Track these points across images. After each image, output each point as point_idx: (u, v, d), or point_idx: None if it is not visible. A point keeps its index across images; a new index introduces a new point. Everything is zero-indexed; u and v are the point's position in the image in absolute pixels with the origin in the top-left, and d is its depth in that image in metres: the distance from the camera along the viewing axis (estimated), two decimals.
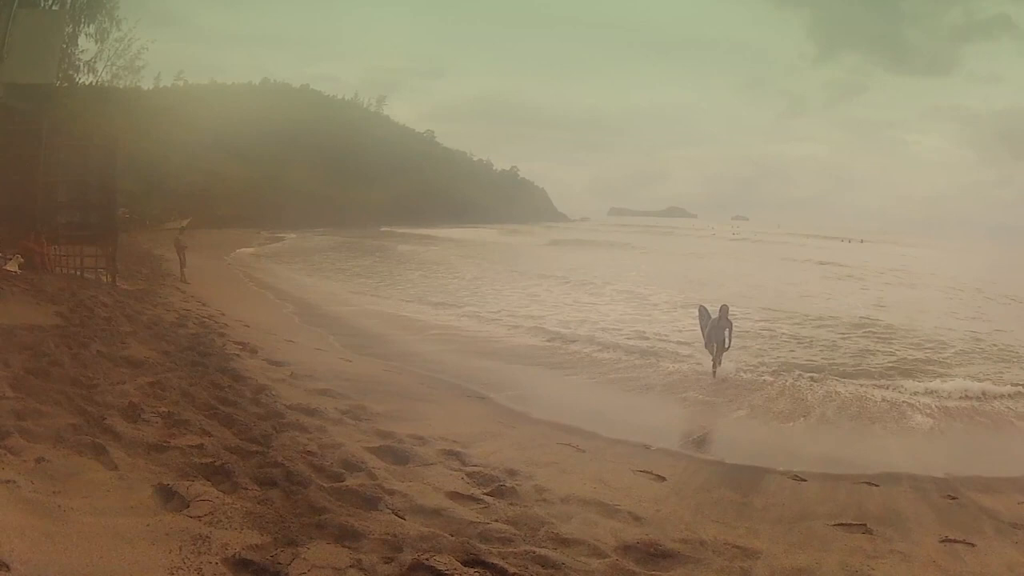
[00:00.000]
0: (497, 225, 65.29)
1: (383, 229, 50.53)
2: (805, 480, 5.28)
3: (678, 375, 9.62)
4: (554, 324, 12.74)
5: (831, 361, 10.71)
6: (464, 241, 41.04)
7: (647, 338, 11.84)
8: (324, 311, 13.28)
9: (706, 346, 9.77)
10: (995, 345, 12.61)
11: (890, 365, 10.55)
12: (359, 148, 66.40)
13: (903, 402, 8.57)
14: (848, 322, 14.26)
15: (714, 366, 9.56)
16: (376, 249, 32.16)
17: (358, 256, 28.21)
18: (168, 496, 3.14)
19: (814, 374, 9.62)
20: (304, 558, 2.71)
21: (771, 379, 9.33)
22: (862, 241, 67.03)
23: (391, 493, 3.76)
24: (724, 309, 9.87)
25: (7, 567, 2.27)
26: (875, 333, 13.30)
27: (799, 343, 12.14)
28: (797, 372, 9.67)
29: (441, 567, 2.76)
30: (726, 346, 9.59)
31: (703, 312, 10.26)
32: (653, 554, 3.49)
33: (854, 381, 9.40)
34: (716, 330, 9.65)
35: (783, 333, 12.87)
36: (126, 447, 3.71)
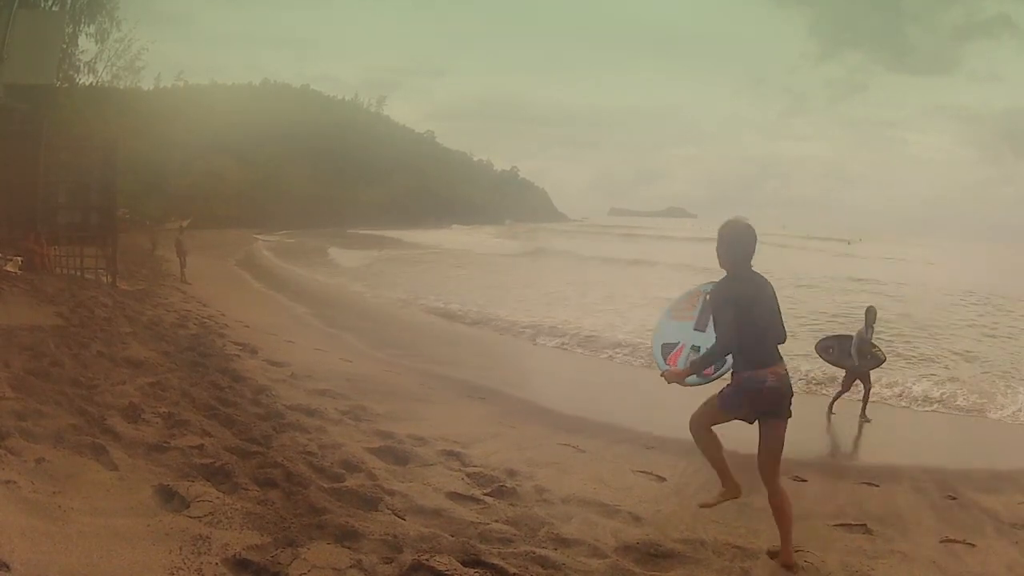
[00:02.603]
0: (493, 226, 63.87)
1: (350, 231, 45.94)
2: (805, 480, 5.28)
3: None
4: None
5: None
6: (432, 248, 35.40)
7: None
8: None
9: (853, 372, 7.64)
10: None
11: (902, 366, 10.49)
12: (359, 149, 66.45)
13: (907, 404, 8.57)
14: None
15: (864, 401, 7.57)
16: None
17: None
18: (168, 496, 3.14)
19: (824, 376, 9.58)
20: (304, 558, 2.71)
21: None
22: (860, 240, 66.59)
23: (391, 493, 3.76)
24: (871, 314, 7.71)
25: (7, 567, 2.27)
26: (888, 334, 13.11)
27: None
28: (806, 374, 9.61)
29: (441, 567, 2.76)
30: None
31: (826, 347, 8.21)
32: (653, 554, 3.49)
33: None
34: (864, 344, 7.62)
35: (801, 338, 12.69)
36: (126, 447, 3.71)
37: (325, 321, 12.29)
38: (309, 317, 12.69)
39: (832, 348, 7.97)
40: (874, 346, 7.77)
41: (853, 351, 7.64)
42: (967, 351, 12.59)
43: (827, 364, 8.43)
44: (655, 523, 4.02)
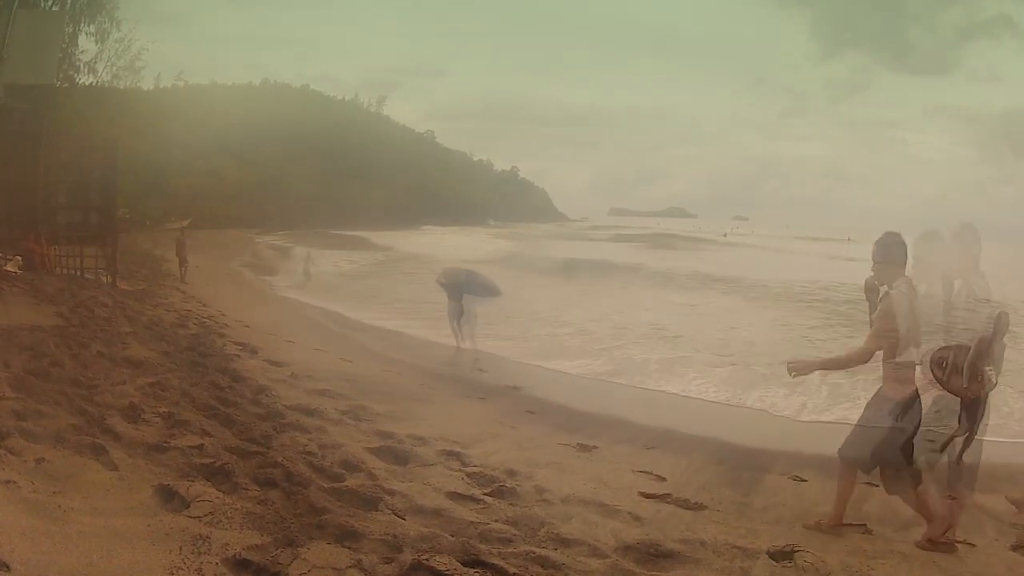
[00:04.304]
0: (487, 227, 62.07)
1: (333, 232, 42.94)
2: (805, 480, 5.28)
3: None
4: None
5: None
6: (396, 251, 31.13)
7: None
8: None
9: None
10: None
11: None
12: (359, 149, 66.22)
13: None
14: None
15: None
16: None
17: None
18: (168, 496, 3.14)
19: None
20: (304, 558, 2.71)
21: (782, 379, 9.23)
22: (856, 240, 65.73)
23: (391, 493, 3.76)
24: (1003, 320, 5.35)
25: (7, 567, 2.27)
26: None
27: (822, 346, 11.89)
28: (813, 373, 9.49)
29: (441, 567, 2.76)
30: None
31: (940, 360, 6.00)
32: (653, 554, 3.49)
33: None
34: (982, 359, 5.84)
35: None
36: (126, 447, 3.71)
37: (332, 320, 12.34)
38: (314, 316, 12.71)
39: (946, 362, 5.40)
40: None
41: (965, 368, 5.36)
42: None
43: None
44: (655, 523, 4.01)
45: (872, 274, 4.01)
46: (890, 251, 3.93)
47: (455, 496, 3.96)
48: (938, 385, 5.21)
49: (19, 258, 11.15)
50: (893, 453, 3.96)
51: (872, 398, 4.08)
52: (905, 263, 3.94)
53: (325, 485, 3.65)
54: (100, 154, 12.87)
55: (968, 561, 3.86)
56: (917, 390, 4.04)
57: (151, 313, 9.67)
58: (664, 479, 5.00)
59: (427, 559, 2.80)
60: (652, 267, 26.20)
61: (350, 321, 12.51)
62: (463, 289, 10.70)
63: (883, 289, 3.96)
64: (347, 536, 3.02)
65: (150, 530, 2.80)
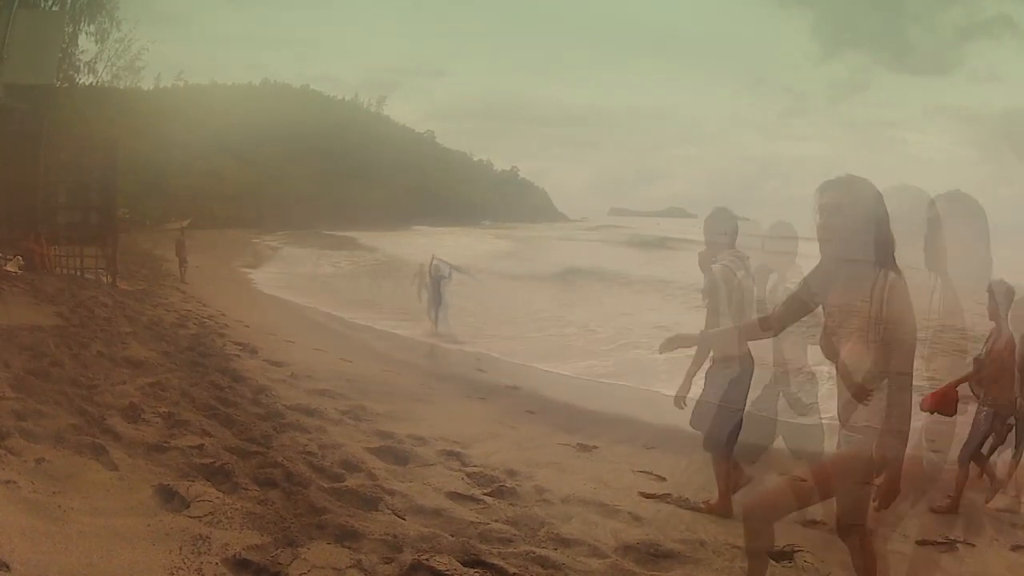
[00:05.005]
0: (482, 228, 61.48)
1: (325, 233, 41.60)
2: (806, 480, 5.28)
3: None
4: None
5: None
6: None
7: None
8: None
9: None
10: None
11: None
12: (359, 149, 66.04)
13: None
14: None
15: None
16: None
17: None
18: (168, 496, 3.14)
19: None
20: (304, 558, 2.71)
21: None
22: None
23: (391, 493, 3.77)
24: None
25: (7, 567, 2.28)
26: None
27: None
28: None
29: (441, 567, 2.76)
30: None
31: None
32: (653, 554, 3.49)
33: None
34: None
35: None
36: (126, 447, 3.71)
37: (331, 319, 12.36)
38: (313, 316, 12.72)
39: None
40: None
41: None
42: None
43: None
44: (655, 523, 4.01)
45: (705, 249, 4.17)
46: (719, 228, 4.12)
47: (455, 496, 3.96)
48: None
49: (19, 258, 11.16)
50: (723, 426, 4.17)
51: (707, 372, 4.25)
52: (735, 240, 4.12)
53: (325, 485, 3.66)
54: (100, 154, 12.87)
55: (968, 561, 3.87)
56: (752, 364, 4.13)
57: (151, 313, 9.67)
58: (664, 479, 5.00)
59: (427, 559, 2.80)
60: (653, 267, 26.34)
61: (348, 321, 12.56)
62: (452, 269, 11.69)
63: (715, 265, 4.10)
64: (347, 536, 3.02)
65: (150, 530, 2.80)
